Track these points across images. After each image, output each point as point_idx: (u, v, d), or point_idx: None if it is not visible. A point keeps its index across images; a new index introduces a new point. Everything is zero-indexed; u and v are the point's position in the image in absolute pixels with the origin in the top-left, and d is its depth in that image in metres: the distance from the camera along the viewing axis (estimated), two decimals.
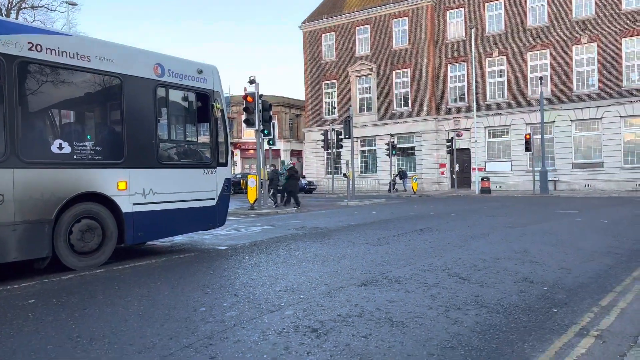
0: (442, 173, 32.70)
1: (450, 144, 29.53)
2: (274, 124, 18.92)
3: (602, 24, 27.65)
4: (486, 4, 31.10)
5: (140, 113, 7.63)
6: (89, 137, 7.29)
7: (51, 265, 6.61)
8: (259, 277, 6.09)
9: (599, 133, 27.81)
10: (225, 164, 9.04)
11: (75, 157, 6.80)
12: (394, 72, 34.04)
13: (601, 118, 27.61)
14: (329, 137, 27.59)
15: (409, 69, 33.44)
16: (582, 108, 28.09)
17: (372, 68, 34.74)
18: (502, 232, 10.17)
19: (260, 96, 16.75)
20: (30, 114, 6.55)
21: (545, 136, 27.51)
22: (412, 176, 31.13)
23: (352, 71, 35.61)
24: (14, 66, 6.14)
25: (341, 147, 27.26)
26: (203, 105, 8.73)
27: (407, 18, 33.40)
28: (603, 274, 6.06)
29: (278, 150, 42.73)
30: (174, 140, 8.69)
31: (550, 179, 27.46)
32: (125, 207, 7.34)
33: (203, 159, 8.83)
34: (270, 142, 19.96)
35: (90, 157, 7.01)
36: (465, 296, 5.01)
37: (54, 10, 41.96)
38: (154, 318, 4.40)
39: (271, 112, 17.66)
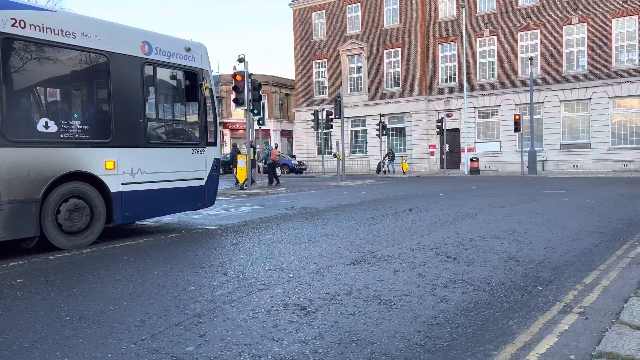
0: (432, 153, 32.81)
1: (440, 124, 29.59)
2: (263, 104, 18.78)
3: (593, 4, 27.60)
4: None
5: (127, 91, 7.54)
6: (75, 115, 7.18)
7: (39, 245, 6.59)
8: (248, 257, 6.12)
9: (588, 114, 27.99)
10: (214, 144, 9.01)
11: (61, 136, 6.71)
12: (385, 51, 33.83)
13: (590, 99, 27.76)
14: (319, 117, 27.48)
15: (399, 49, 33.24)
16: (571, 89, 28.21)
17: (362, 47, 34.48)
18: (489, 212, 10.27)
19: (250, 75, 16.59)
20: (15, 92, 6.41)
21: (535, 117, 27.65)
22: (402, 157, 31.20)
23: (343, 50, 35.33)
24: None
25: (331, 127, 27.18)
26: (191, 83, 8.63)
27: None
28: (587, 253, 6.17)
29: (268, 130, 42.56)
30: (162, 119, 8.55)
31: (538, 159, 27.68)
32: (114, 186, 7.31)
33: (192, 139, 8.75)
34: (260, 121, 19.87)
35: (77, 136, 6.92)
36: (452, 275, 5.08)
37: None
38: (143, 297, 4.41)
39: (261, 92, 17.51)
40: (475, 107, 31.06)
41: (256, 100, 17.03)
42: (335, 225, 8.78)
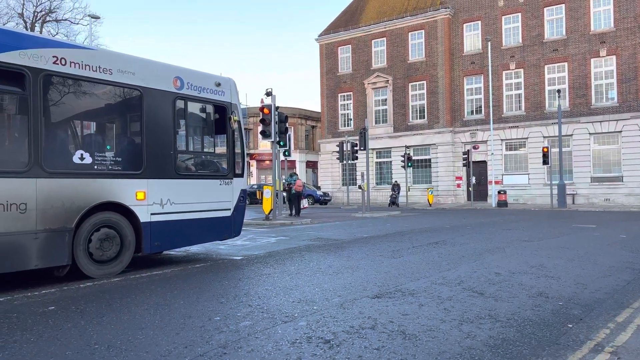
0: (458, 186, 32.51)
1: (466, 156, 29.39)
2: (289, 136, 19.08)
3: (621, 37, 27.40)
4: (503, 17, 31.07)
5: (159, 124, 7.78)
6: (109, 147, 7.46)
7: (70, 273, 6.75)
8: (273, 288, 6.14)
9: (619, 146, 27.44)
10: (241, 175, 9.18)
11: (95, 167, 6.95)
12: (410, 84, 34.08)
13: (620, 131, 27.27)
14: (345, 149, 27.69)
15: (425, 81, 33.46)
16: (600, 122, 27.78)
17: (388, 80, 34.83)
18: (518, 246, 10.08)
19: (277, 108, 16.94)
20: (53, 125, 6.71)
21: (564, 149, 27.24)
22: (428, 189, 30.98)
23: (368, 83, 35.74)
24: (39, 79, 6.33)
25: (356, 158, 27.34)
26: (220, 117, 8.90)
27: (423, 31, 33.50)
28: (620, 290, 5.99)
29: (293, 161, 42.97)
30: (192, 151, 8.82)
31: (568, 192, 27.12)
32: (143, 216, 7.46)
33: (220, 170, 8.94)
34: (286, 153, 20.13)
35: (110, 167, 7.16)
36: (479, 310, 5.00)
37: (77, 24, 42.94)
38: (170, 326, 4.47)
39: (287, 124, 17.81)
40: (502, 140, 30.81)
41: (282, 132, 17.31)
42: (359, 257, 8.75)
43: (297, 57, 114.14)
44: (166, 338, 4.13)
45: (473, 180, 30.15)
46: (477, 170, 31.06)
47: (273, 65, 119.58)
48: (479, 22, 31.90)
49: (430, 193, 30.09)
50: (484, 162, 31.34)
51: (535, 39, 29.97)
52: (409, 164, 31.33)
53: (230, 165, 8.98)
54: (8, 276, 6.69)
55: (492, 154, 30.08)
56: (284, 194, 21.14)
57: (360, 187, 23.99)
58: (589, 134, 28.16)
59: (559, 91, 27.15)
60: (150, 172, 7.58)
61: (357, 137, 25.66)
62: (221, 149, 9.08)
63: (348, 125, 36.94)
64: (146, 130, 7.56)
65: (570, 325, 4.49)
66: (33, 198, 6.19)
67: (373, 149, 34.06)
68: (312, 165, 47.59)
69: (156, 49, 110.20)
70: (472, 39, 32.33)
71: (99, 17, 30.06)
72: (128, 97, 7.54)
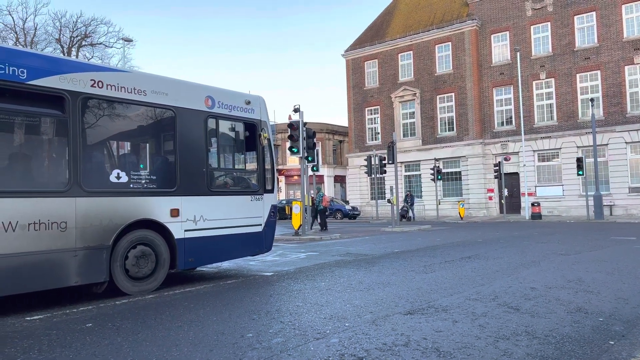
0: (490, 198, 31.95)
1: (497, 168, 28.89)
2: (317, 151, 19.18)
3: None
4: (532, 27, 30.69)
5: (192, 143, 7.94)
6: (143, 166, 7.66)
7: (106, 290, 6.90)
8: (304, 304, 6.14)
9: None
10: (271, 191, 9.28)
11: (131, 185, 7.12)
12: (438, 96, 33.89)
13: None
14: (373, 163, 27.57)
15: (453, 94, 33.21)
16: (637, 130, 26.97)
17: (415, 93, 34.73)
18: (554, 260, 9.81)
19: (305, 124, 17.06)
20: (91, 146, 6.92)
21: (599, 159, 26.51)
22: (459, 202, 30.54)
23: (395, 97, 35.70)
24: (78, 102, 6.57)
25: (385, 172, 27.17)
26: (250, 134, 9.04)
27: (450, 43, 33.37)
28: None
29: (322, 176, 43.05)
30: (223, 168, 8.98)
31: (605, 203, 26.30)
32: (177, 233, 7.58)
33: (250, 186, 9.06)
34: (314, 168, 20.23)
35: (145, 185, 7.32)
36: (515, 326, 4.88)
37: (111, 47, 44.46)
38: (204, 343, 4.51)
39: (315, 139, 17.92)
40: (534, 150, 30.21)
41: (310, 148, 17.41)
42: (390, 272, 8.67)
43: (324, 73, 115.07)
44: (200, 355, 4.17)
45: (505, 192, 29.59)
46: (509, 182, 30.50)
47: (301, 82, 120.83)
48: (507, 32, 31.58)
49: (461, 206, 29.63)
50: (516, 173, 30.76)
51: (565, 47, 29.46)
52: (439, 177, 30.98)
53: (261, 181, 9.10)
54: (48, 293, 6.89)
55: (524, 165, 29.50)
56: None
57: (389, 201, 23.82)
58: (625, 142, 27.35)
59: (592, 100, 26.53)
60: (184, 189, 7.72)
61: (385, 151, 25.56)
62: (252, 166, 9.21)
63: (376, 139, 36.89)
64: (179, 148, 7.73)
65: (612, 342, 4.34)
66: (73, 217, 6.38)
67: (401, 163, 33.87)
68: (340, 180, 47.59)
69: (185, 70, 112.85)
70: (500, 49, 32.00)
71: (131, 40, 31.09)
72: (162, 117, 7.73)
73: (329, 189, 44.07)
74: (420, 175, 34.68)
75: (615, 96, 27.77)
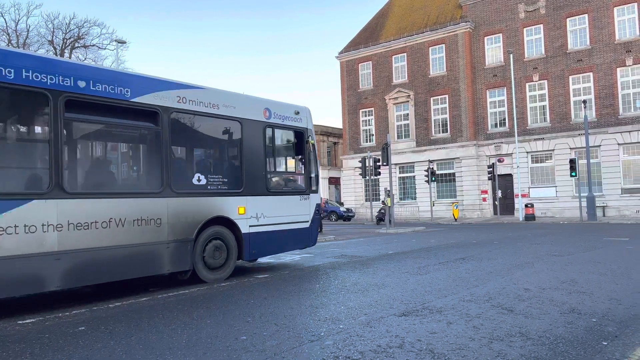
0: (484, 200, 32.05)
1: (491, 169, 29.00)
2: None
3: None
4: (524, 29, 30.85)
5: (253, 149, 9.08)
6: (217, 170, 8.74)
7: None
8: (298, 306, 6.13)
9: None
10: (316, 191, 10.47)
11: (208, 187, 8.24)
12: (432, 98, 33.98)
13: None
14: (367, 164, 27.63)
15: (447, 95, 33.32)
16: (630, 131, 27.15)
17: (409, 95, 34.81)
18: (547, 261, 9.85)
19: None
20: (178, 153, 8.12)
21: (592, 160, 26.66)
22: (453, 203, 30.62)
23: (389, 99, 35.77)
24: (168, 115, 7.65)
25: (379, 174, 27.24)
26: (299, 141, 10.25)
27: (444, 45, 33.48)
28: None
29: None
30: (278, 171, 10.08)
31: (598, 204, 26.45)
32: (244, 228, 8.73)
33: (299, 187, 10.25)
34: None
35: (219, 187, 8.43)
36: (509, 327, 4.89)
37: (104, 49, 44.27)
38: (197, 346, 4.49)
39: None
40: (527, 152, 30.35)
41: None
42: (385, 274, 8.67)
43: (319, 75, 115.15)
44: (193, 358, 4.15)
45: (499, 193, 29.69)
46: (503, 184, 30.61)
47: (295, 84, 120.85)
48: (500, 34, 31.73)
49: (455, 207, 29.71)
50: (510, 175, 30.88)
51: (558, 49, 29.63)
52: (433, 179, 31.06)
53: (307, 182, 10.28)
54: (41, 296, 6.84)
55: (518, 166, 29.63)
56: None
57: (383, 202, 23.83)
58: (618, 144, 27.53)
59: (584, 102, 26.69)
60: (248, 190, 8.87)
61: (380, 153, 25.60)
62: (300, 169, 10.43)
63: (370, 141, 36.93)
64: (244, 155, 8.88)
65: (605, 343, 4.36)
66: (165, 214, 7.50)
67: (396, 164, 33.92)
68: (334, 182, 47.61)
69: (180, 71, 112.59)
70: (493, 51, 32.14)
71: (125, 42, 30.95)
72: (231, 127, 8.82)
73: (323, 191, 44.06)
74: (414, 176, 34.75)
75: (608, 98, 27.95)
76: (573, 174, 25.91)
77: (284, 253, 12.94)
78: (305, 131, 10.31)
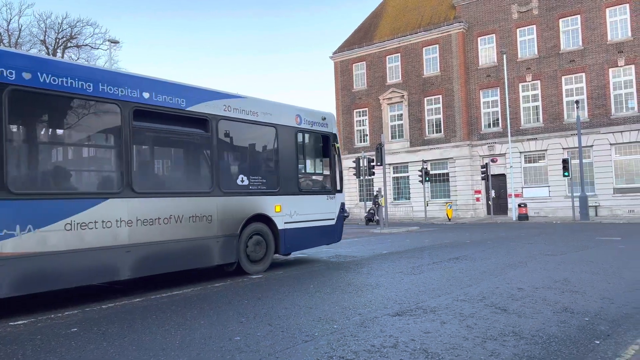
0: (478, 199, 32.15)
1: (485, 169, 29.10)
2: None
3: (639, 46, 27.07)
4: (517, 30, 30.98)
5: (287, 153, 9.93)
6: (257, 172, 9.40)
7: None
8: (292, 307, 6.12)
9: None
10: (340, 191, 11.30)
11: (250, 187, 9.08)
12: (426, 98, 34.05)
13: None
14: (361, 165, 27.64)
15: (440, 96, 33.39)
16: (622, 131, 27.33)
17: (403, 95, 34.86)
18: (540, 261, 9.90)
19: None
20: (224, 156, 8.91)
21: (584, 160, 26.81)
22: (447, 203, 30.69)
23: (383, 99, 35.81)
24: (216, 122, 8.49)
25: (373, 174, 27.23)
26: (325, 144, 11.09)
27: (437, 45, 33.55)
28: None
29: None
30: (308, 173, 10.90)
31: (590, 204, 26.61)
32: (280, 225, 9.56)
33: (326, 187, 11.09)
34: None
35: (258, 187, 9.24)
36: (502, 327, 4.91)
37: (97, 49, 43.96)
38: (191, 347, 4.47)
39: None
40: (520, 152, 30.47)
41: None
42: (379, 274, 8.68)
43: (313, 75, 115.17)
44: (187, 359, 4.13)
45: (492, 193, 29.78)
46: (497, 184, 30.72)
47: (289, 84, 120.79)
48: (494, 35, 31.84)
49: (449, 207, 29.77)
50: (503, 175, 31.00)
51: (551, 50, 29.77)
52: (427, 179, 31.11)
53: (333, 183, 11.14)
54: (31, 298, 6.79)
55: (511, 166, 29.74)
56: None
57: (376, 202, 23.84)
58: (610, 144, 27.70)
59: (577, 102, 26.84)
60: (283, 190, 9.71)
61: (374, 153, 25.61)
62: (326, 170, 11.26)
63: (364, 141, 36.96)
64: (279, 157, 9.75)
65: (598, 342, 4.38)
66: (215, 211, 8.33)
67: (390, 164, 33.97)
68: None
69: (173, 72, 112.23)
70: (487, 52, 32.24)
71: (118, 42, 30.82)
72: (268, 132, 9.64)
73: None
74: (408, 176, 34.80)
75: (600, 98, 28.12)
76: (566, 173, 26.05)
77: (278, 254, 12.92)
78: (331, 135, 11.19)
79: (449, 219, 29.31)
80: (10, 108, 5.92)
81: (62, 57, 35.93)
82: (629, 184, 27.23)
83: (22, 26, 38.35)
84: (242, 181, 8.95)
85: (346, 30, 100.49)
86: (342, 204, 11.34)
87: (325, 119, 11.11)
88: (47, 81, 6.29)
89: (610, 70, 27.93)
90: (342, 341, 4.54)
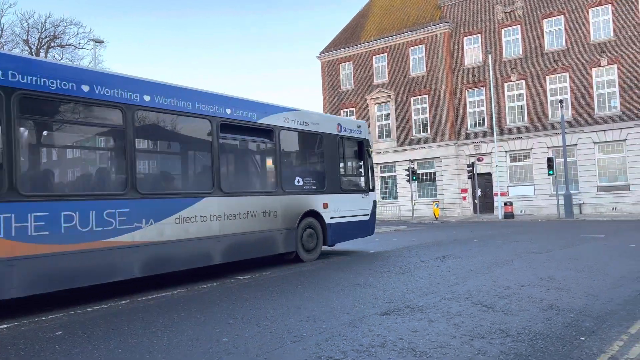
0: (464, 198, 32.38)
1: (471, 169, 29.32)
2: None
3: (622, 46, 27.48)
4: (502, 30, 31.26)
5: (331, 157, 11.47)
6: (309, 174, 10.94)
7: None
8: (281, 307, 6.10)
9: (624, 155, 27.32)
10: (373, 190, 12.80)
11: (304, 187, 10.62)
12: (412, 98, 34.21)
13: (625, 140, 27.17)
14: None
15: (427, 95, 33.58)
16: (605, 130, 27.72)
17: (390, 95, 34.99)
18: (526, 258, 10.00)
19: None
20: (285, 161, 10.42)
21: (568, 159, 27.14)
22: (434, 202, 30.86)
23: (370, 99, 35.91)
24: (278, 132, 10.02)
25: None
26: (360, 149, 12.63)
27: (424, 45, 33.72)
28: (632, 301, 5.91)
29: None
30: (347, 174, 12.38)
31: (575, 202, 26.95)
32: (327, 220, 11.05)
33: (361, 187, 12.55)
34: None
35: (310, 187, 10.79)
36: (489, 325, 4.94)
37: (82, 48, 43.43)
38: (178, 349, 4.44)
39: None
40: (506, 151, 30.76)
41: None
42: (367, 274, 8.70)
43: (299, 75, 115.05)
44: None
45: (479, 192, 30.02)
46: (483, 183, 30.97)
47: (276, 83, 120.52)
48: (479, 35, 32.09)
49: (436, 206, 29.93)
50: (489, 174, 31.26)
51: (535, 50, 30.09)
52: (414, 178, 31.25)
53: (367, 183, 12.64)
54: (13, 301, 6.69)
55: (497, 165, 30.01)
56: None
57: None
58: (593, 143, 28.08)
59: (561, 101, 27.16)
60: (329, 189, 11.24)
61: None
62: (361, 172, 12.73)
63: None
64: (326, 162, 11.32)
65: (583, 338, 4.43)
66: (279, 208, 9.86)
67: (377, 164, 34.05)
68: None
69: (157, 71, 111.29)
70: (472, 52, 32.49)
71: (102, 42, 30.46)
72: (316, 140, 11.21)
73: None
74: (395, 176, 34.93)
75: (583, 97, 28.49)
76: (550, 172, 26.35)
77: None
78: (364, 141, 12.67)
79: (436, 218, 29.48)
80: (135, 129, 7.45)
81: (46, 56, 35.44)
82: (612, 182, 27.63)
83: (4, 26, 37.75)
84: (298, 182, 10.49)
85: (333, 30, 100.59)
86: (374, 202, 12.77)
87: (360, 126, 12.69)
88: (159, 102, 7.83)
89: (594, 70, 28.31)
90: (331, 341, 4.54)
